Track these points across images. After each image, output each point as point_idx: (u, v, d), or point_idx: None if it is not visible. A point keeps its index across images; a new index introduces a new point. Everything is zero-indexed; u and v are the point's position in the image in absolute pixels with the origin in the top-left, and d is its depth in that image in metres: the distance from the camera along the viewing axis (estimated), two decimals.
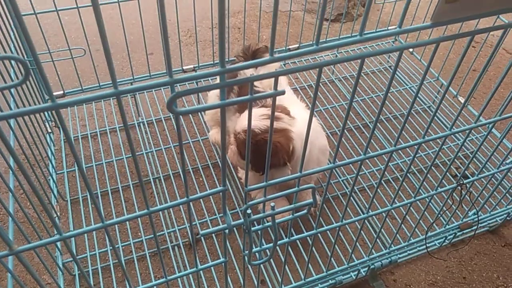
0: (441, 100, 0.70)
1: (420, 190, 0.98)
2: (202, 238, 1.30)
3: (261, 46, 1.36)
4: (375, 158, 1.52)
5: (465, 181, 0.97)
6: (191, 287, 1.18)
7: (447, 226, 1.21)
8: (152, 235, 1.23)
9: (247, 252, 0.72)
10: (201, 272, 1.19)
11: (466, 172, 1.48)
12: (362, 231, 1.32)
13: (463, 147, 1.00)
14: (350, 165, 1.51)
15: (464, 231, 1.24)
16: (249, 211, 0.64)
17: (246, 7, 1.59)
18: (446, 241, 1.25)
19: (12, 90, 1.16)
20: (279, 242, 0.82)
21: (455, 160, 1.46)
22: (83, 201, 1.37)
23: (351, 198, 1.41)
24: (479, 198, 1.16)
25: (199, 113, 1.66)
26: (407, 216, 1.34)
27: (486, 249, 1.34)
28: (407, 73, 1.87)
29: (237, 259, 1.25)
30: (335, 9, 2.25)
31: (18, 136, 1.08)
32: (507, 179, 1.46)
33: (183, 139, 1.56)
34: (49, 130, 1.50)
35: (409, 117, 0.97)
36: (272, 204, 0.66)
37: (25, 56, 1.34)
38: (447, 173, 1.50)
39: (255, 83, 1.23)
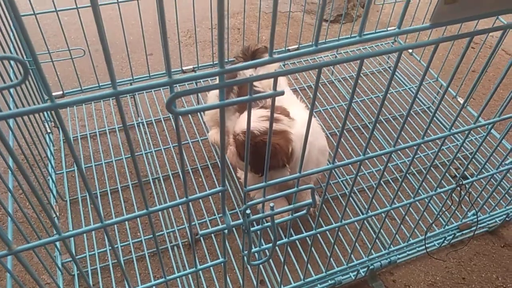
0: (440, 101, 0.70)
1: (419, 191, 0.99)
2: (201, 238, 1.30)
3: (261, 47, 1.36)
4: (374, 159, 1.52)
5: (464, 182, 0.97)
6: (190, 287, 1.18)
7: (447, 227, 1.21)
8: (151, 235, 1.23)
9: (246, 252, 0.72)
10: (200, 272, 1.19)
11: (465, 173, 1.49)
12: (361, 232, 1.32)
13: (462, 148, 1.00)
14: (350, 165, 1.50)
15: (463, 232, 1.24)
16: (248, 211, 0.64)
17: (246, 8, 1.59)
18: (445, 241, 1.25)
19: (12, 90, 1.16)
20: (278, 243, 0.82)
21: (454, 161, 1.46)
22: (82, 201, 1.37)
23: (351, 198, 1.41)
24: (478, 198, 1.16)
25: (198, 114, 1.66)
26: (406, 217, 1.34)
27: (485, 249, 1.34)
28: (407, 74, 1.87)
29: (236, 259, 1.25)
30: (335, 10, 2.26)
31: (17, 136, 1.07)
32: (506, 179, 1.46)
33: (183, 140, 1.56)
34: (49, 130, 1.50)
35: (408, 118, 0.98)
36: (272, 204, 0.66)
37: (25, 57, 1.35)
38: (446, 174, 1.50)
39: (255, 83, 1.23)
